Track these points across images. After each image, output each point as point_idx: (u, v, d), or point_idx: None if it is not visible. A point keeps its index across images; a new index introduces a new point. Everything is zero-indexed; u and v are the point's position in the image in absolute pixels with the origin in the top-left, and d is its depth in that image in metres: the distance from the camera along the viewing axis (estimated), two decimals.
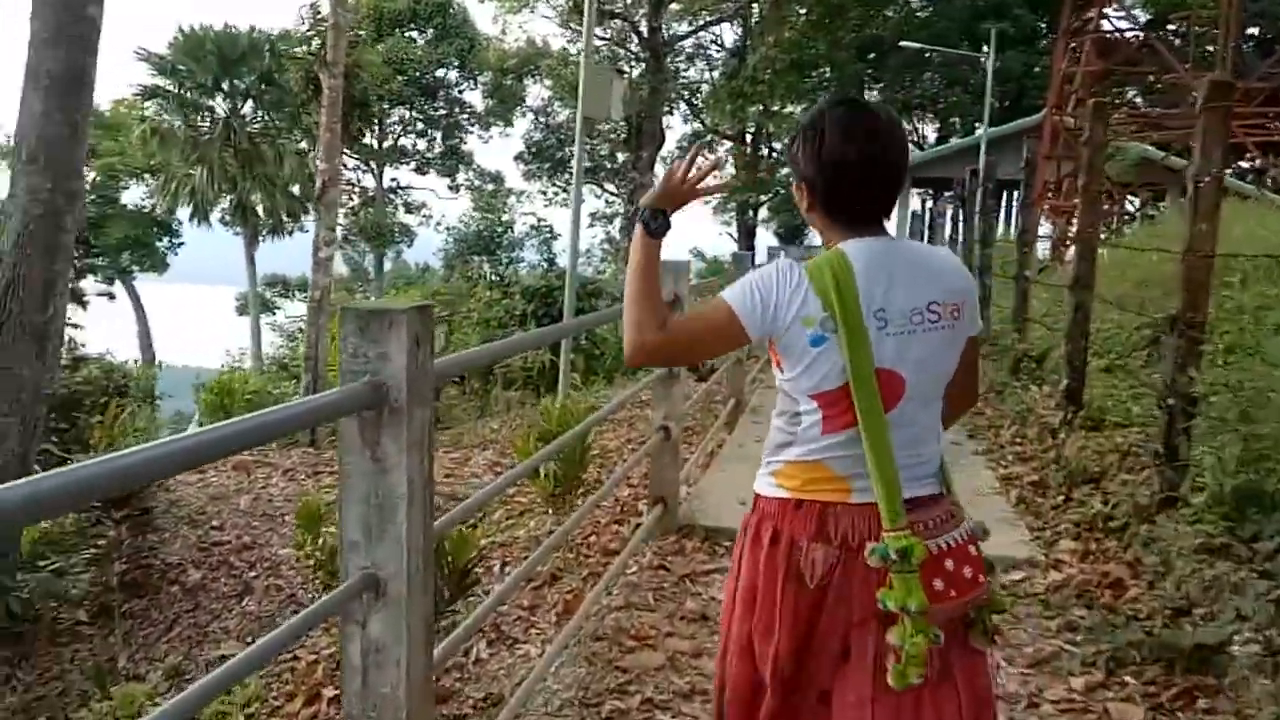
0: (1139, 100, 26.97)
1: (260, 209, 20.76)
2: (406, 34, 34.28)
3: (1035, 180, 8.10)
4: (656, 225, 1.89)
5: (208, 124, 20.71)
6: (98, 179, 27.89)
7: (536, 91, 36.17)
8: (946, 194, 20.71)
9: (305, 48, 16.72)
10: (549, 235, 21.51)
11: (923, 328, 1.66)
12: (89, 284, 30.87)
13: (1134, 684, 3.14)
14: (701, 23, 27.12)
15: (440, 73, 35.66)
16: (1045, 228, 18.35)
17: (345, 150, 36.24)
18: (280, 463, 6.90)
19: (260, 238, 22.69)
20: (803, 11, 28.62)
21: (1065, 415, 5.90)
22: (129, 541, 5.09)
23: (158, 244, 29.59)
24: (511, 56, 33.10)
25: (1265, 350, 5.05)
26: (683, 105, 35.71)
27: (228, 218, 22.29)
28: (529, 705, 2.92)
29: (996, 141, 22.70)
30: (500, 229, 21.41)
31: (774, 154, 34.62)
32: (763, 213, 37.85)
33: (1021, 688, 3.16)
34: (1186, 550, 3.78)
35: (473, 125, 38.19)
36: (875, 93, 35.90)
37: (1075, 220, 18.69)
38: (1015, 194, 24.87)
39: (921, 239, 19.06)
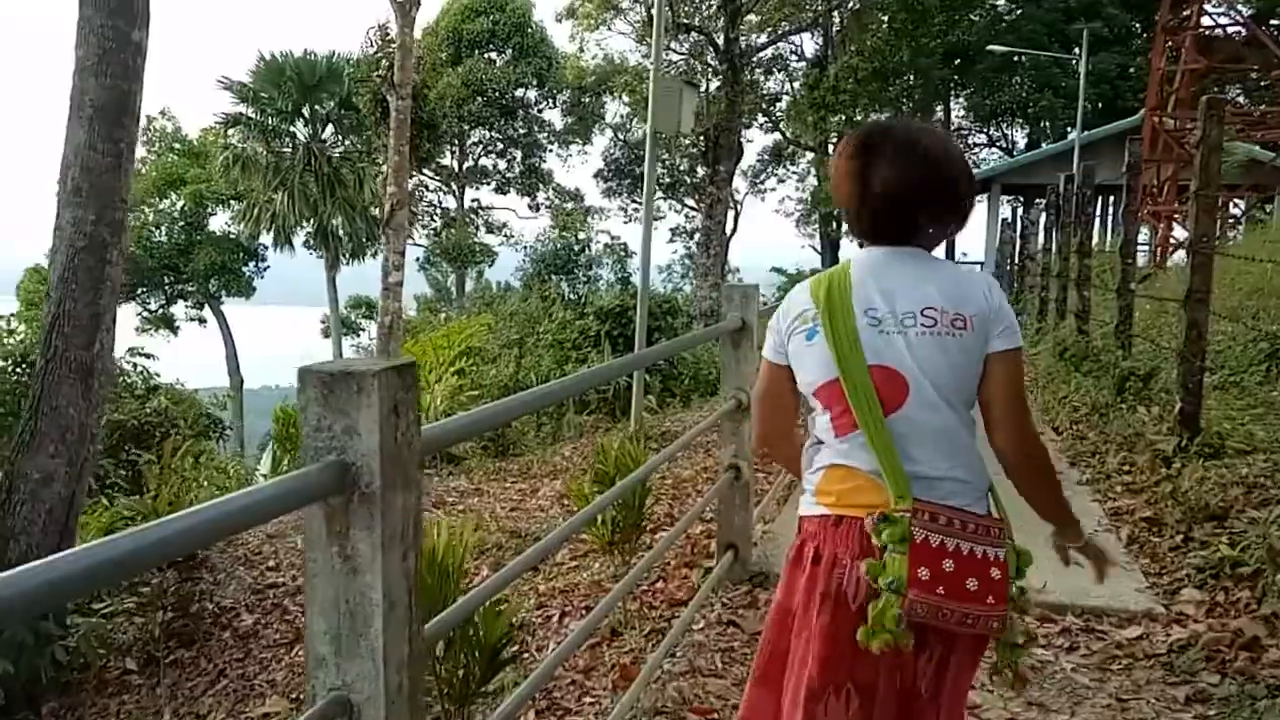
0: (1242, 99, 25.59)
1: (341, 232, 21.00)
2: (485, 55, 34.57)
3: (1137, 185, 7.49)
4: None
5: (289, 150, 21.03)
6: (186, 207, 28.76)
7: (615, 108, 36.14)
8: (1039, 201, 19.86)
9: (375, 70, 16.81)
10: (623, 253, 21.24)
11: (916, 330, 1.69)
12: (179, 309, 31.90)
13: None
14: (780, 33, 26.62)
15: (519, 92, 35.86)
16: (1145, 233, 17.45)
17: (426, 172, 36.85)
18: None
19: (342, 261, 22.99)
20: (885, 19, 27.95)
21: (1180, 441, 5.34)
22: (178, 586, 4.92)
23: (244, 269, 30.29)
24: (589, 74, 33.10)
25: None
26: (761, 117, 35.23)
27: (311, 242, 22.63)
28: None
29: (1090, 145, 21.76)
30: (577, 247, 21.25)
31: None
32: (846, 225, 37.04)
33: None
34: None
35: (552, 144, 38.34)
36: (961, 99, 35.05)
37: (1176, 225, 17.74)
38: (1113, 200, 23.87)
39: (1011, 248, 18.30)
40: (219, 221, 29.01)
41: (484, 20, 33.65)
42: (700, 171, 32.29)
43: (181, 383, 10.23)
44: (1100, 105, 29.37)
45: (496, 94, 34.31)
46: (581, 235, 26.11)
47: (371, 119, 18.96)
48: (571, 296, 17.13)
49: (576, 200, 38.96)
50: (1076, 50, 25.75)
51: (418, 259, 35.45)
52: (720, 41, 20.82)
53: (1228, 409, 5.94)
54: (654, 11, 8.20)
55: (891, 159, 1.73)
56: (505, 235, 38.26)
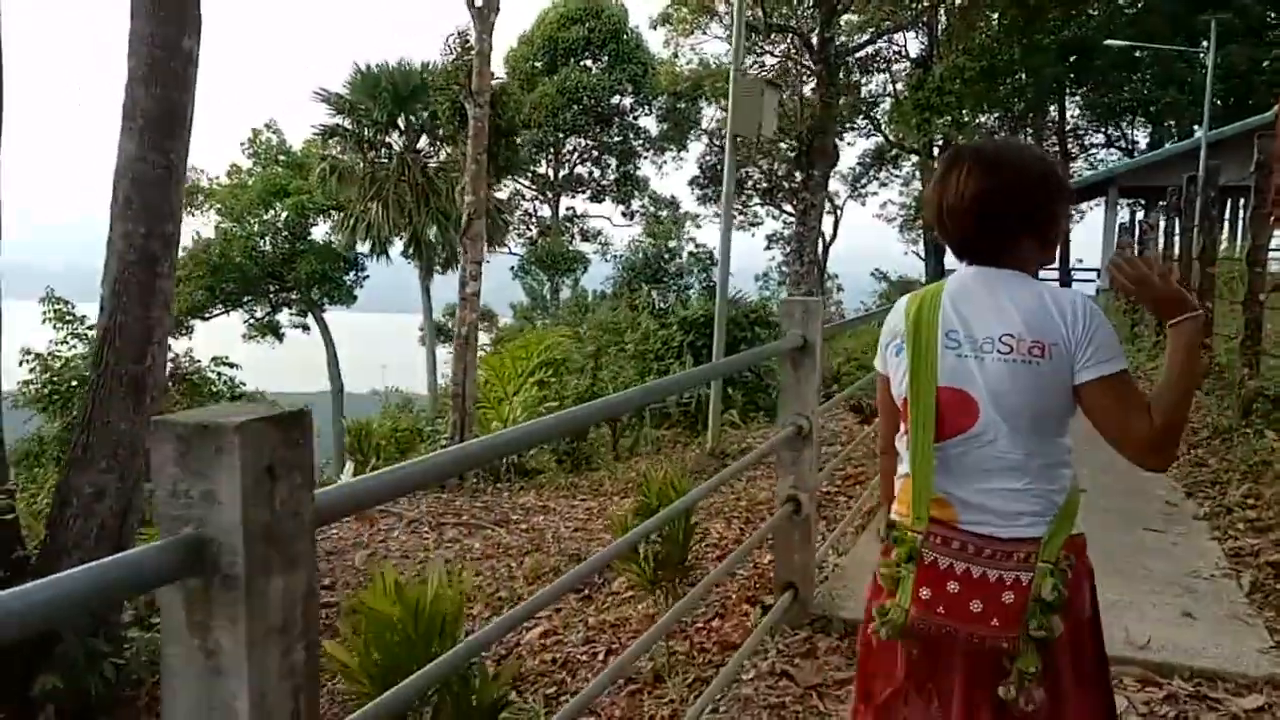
0: None
1: (435, 241, 21.18)
2: (580, 63, 34.68)
3: (1268, 186, 6.81)
4: None
5: (385, 160, 21.33)
6: (288, 217, 29.51)
7: (710, 114, 35.81)
8: (1160, 204, 18.71)
9: (453, 79, 16.85)
10: (709, 261, 20.82)
11: (993, 356, 1.71)
12: (284, 317, 32.80)
13: None
14: (880, 31, 25.84)
15: (614, 100, 35.87)
16: (1277, 239, 16.21)
17: (522, 181, 37.17)
18: (406, 511, 6.59)
19: (436, 269, 23.21)
20: (994, 15, 26.86)
21: None
22: None
23: (344, 278, 30.93)
24: (684, 80, 32.85)
25: None
26: (860, 119, 34.39)
27: (408, 251, 22.93)
28: None
29: (1218, 144, 20.46)
30: (668, 255, 20.98)
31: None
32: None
33: None
34: None
35: (647, 151, 38.26)
36: (1077, 97, 33.51)
37: None
38: (1242, 202, 22.41)
39: (1131, 253, 17.24)
40: (320, 231, 29.73)
41: (579, 28, 33.79)
42: (798, 176, 31.71)
43: (261, 391, 10.29)
44: (1230, 101, 27.65)
45: (592, 102, 34.39)
46: (672, 243, 25.84)
47: (450, 127, 19.04)
48: (661, 306, 16.81)
49: (672, 207, 38.77)
50: (1204, 43, 24.25)
51: (512, 267, 35.78)
52: (815, 42, 20.22)
53: None
54: (735, 8, 7.86)
55: (969, 173, 1.75)
56: (600, 243, 38.36)
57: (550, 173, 37.37)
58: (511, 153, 19.56)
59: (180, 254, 23.71)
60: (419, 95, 20.41)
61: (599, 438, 10.05)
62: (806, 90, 24.96)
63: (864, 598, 1.91)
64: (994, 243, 1.78)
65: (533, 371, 10.64)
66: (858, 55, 28.44)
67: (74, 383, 9.81)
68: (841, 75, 26.41)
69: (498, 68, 35.69)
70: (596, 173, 38.79)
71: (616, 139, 37.17)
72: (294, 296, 30.90)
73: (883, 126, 35.92)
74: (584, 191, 39.12)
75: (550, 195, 37.89)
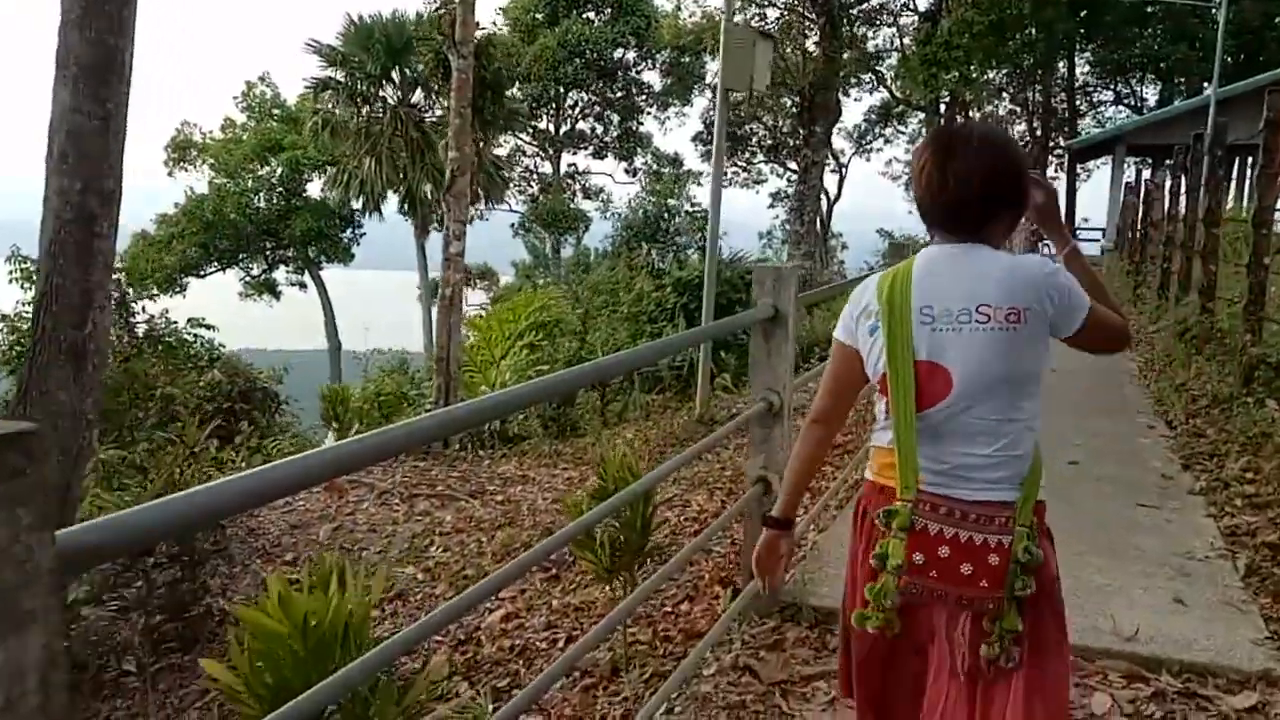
0: None
1: (431, 198, 20.79)
2: (582, 15, 33.98)
3: (1276, 144, 6.51)
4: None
5: (380, 114, 20.87)
6: (283, 173, 29.10)
7: (714, 68, 35.09)
8: (1167, 163, 18.29)
9: (436, 28, 16.36)
10: (705, 220, 20.41)
11: (970, 327, 1.78)
12: (281, 275, 32.53)
13: None
14: None
15: (618, 54, 35.21)
16: None
17: (523, 136, 36.61)
18: (378, 482, 6.38)
19: (431, 227, 22.88)
20: None
21: None
22: (178, 583, 4.61)
23: (341, 235, 30.59)
24: (687, 33, 32.20)
25: None
26: (866, 76, 33.75)
27: (403, 208, 22.56)
28: None
29: (1228, 102, 19.98)
30: (667, 214, 20.58)
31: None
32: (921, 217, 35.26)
33: None
34: None
35: (650, 107, 37.62)
36: (1087, 53, 32.83)
37: None
38: (1250, 161, 21.96)
39: (1136, 213, 16.89)
40: (316, 188, 29.32)
41: None
42: (802, 133, 31.16)
43: (232, 352, 10.02)
44: (1241, 58, 27.07)
45: (594, 55, 33.73)
46: (673, 201, 25.43)
47: (435, 80, 18.55)
48: (660, 266, 16.51)
49: (674, 164, 38.21)
50: None
51: (513, 225, 35.39)
52: None
53: None
54: None
55: (962, 155, 1.81)
56: (602, 200, 37.86)
57: (551, 128, 36.80)
58: (498, 107, 19.08)
59: (173, 210, 23.26)
60: (412, 47, 19.88)
61: (588, 402, 9.84)
62: (810, 45, 24.42)
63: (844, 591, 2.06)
64: (986, 220, 1.85)
65: (522, 334, 10.40)
66: (862, 7, 27.78)
67: None
68: (845, 28, 25.78)
69: (497, 18, 35.15)
70: (599, 128, 38.19)
71: (619, 94, 36.54)
72: (290, 254, 30.60)
73: (889, 82, 35.30)
74: (586, 148, 38.54)
75: (552, 151, 37.33)
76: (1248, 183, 22.35)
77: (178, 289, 30.19)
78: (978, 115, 31.79)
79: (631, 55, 35.89)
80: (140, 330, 9.56)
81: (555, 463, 7.21)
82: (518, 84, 33.93)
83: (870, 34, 32.23)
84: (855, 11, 27.53)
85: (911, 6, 32.56)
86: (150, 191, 30.62)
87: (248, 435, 6.82)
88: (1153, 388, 7.52)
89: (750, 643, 3.20)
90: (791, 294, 3.30)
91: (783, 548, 2.21)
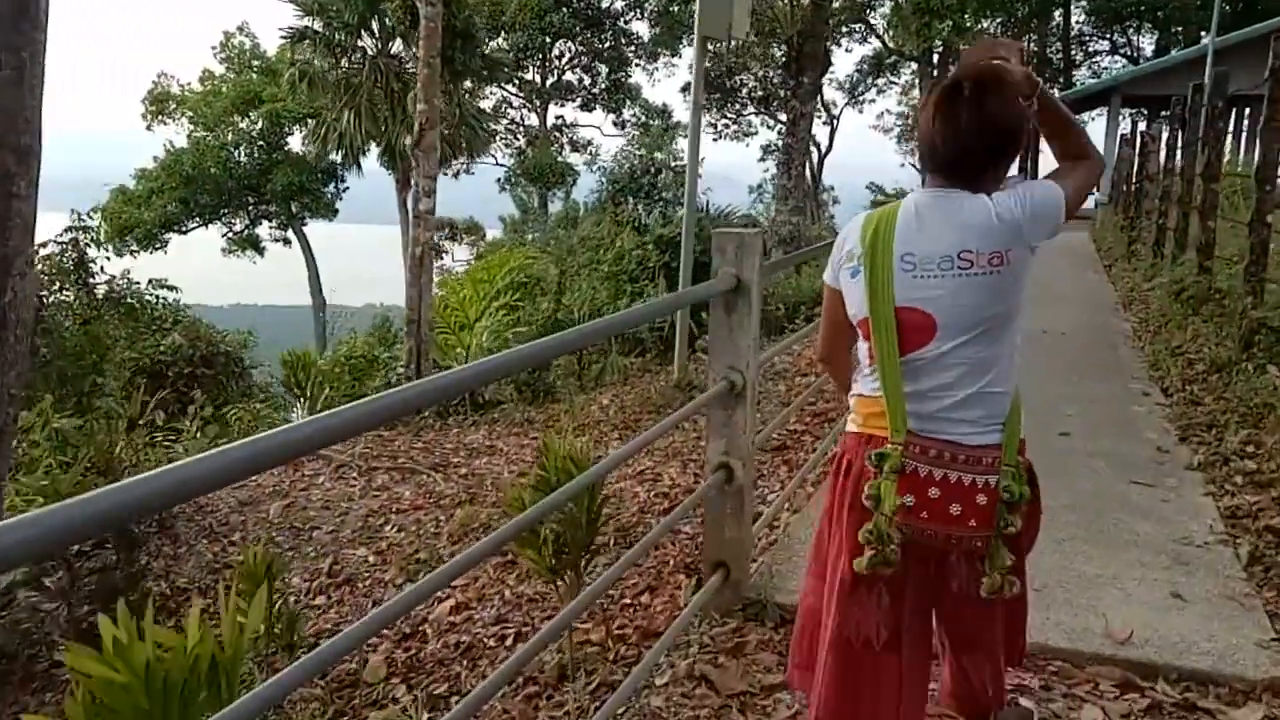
0: None
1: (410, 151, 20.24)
2: None
3: None
4: None
5: (360, 65, 20.22)
6: (263, 126, 28.41)
7: None
8: (1163, 114, 17.85)
9: None
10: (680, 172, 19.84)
11: (952, 273, 1.81)
12: (264, 231, 31.97)
13: None
14: None
15: (605, 3, 34.39)
16: None
17: (509, 88, 35.84)
18: (336, 454, 6.07)
19: (412, 180, 22.36)
20: None
21: None
22: (117, 566, 4.34)
23: (324, 190, 29.99)
24: None
25: None
26: (858, 25, 33.04)
27: (384, 160, 22.00)
28: None
29: (1227, 52, 19.49)
30: (654, 168, 20.05)
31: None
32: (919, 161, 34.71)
33: None
34: None
35: (639, 57, 36.82)
36: (1083, 2, 32.16)
37: None
38: (1248, 112, 21.55)
39: (1131, 166, 16.51)
40: (297, 141, 28.71)
41: None
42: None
43: (187, 309, 9.61)
44: (1239, 6, 26.48)
45: (581, 4, 32.92)
46: (660, 155, 24.87)
47: (402, 28, 17.93)
48: (647, 221, 16.08)
49: (664, 116, 37.50)
50: None
51: (498, 179, 34.81)
52: None
53: None
54: None
55: (968, 106, 1.80)
56: (590, 154, 37.18)
57: (538, 79, 36.04)
58: (470, 57, 18.46)
59: (152, 164, 22.69)
60: None
61: (567, 365, 9.54)
62: None
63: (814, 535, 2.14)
64: (986, 169, 1.85)
65: (498, 294, 10.07)
66: None
67: None
68: None
69: None
70: (587, 80, 37.41)
71: (607, 44, 35.74)
72: (273, 210, 30.01)
73: (881, 32, 34.60)
74: (574, 99, 37.76)
75: (538, 103, 36.61)
76: (1244, 135, 21.96)
77: (158, 245, 29.65)
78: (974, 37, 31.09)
79: (620, 4, 35.07)
80: (100, 291, 9.21)
81: (526, 431, 6.93)
82: (503, 33, 33.19)
83: None
84: None
85: None
86: (130, 144, 30.02)
87: (201, 404, 6.51)
88: (1147, 350, 7.23)
89: (709, 646, 2.94)
90: (756, 262, 2.99)
91: None
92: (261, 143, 28.86)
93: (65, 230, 9.32)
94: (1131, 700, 2.64)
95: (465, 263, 24.68)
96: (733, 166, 43.94)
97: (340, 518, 5.01)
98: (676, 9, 34.34)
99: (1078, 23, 33.19)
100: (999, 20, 31.38)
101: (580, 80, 37.36)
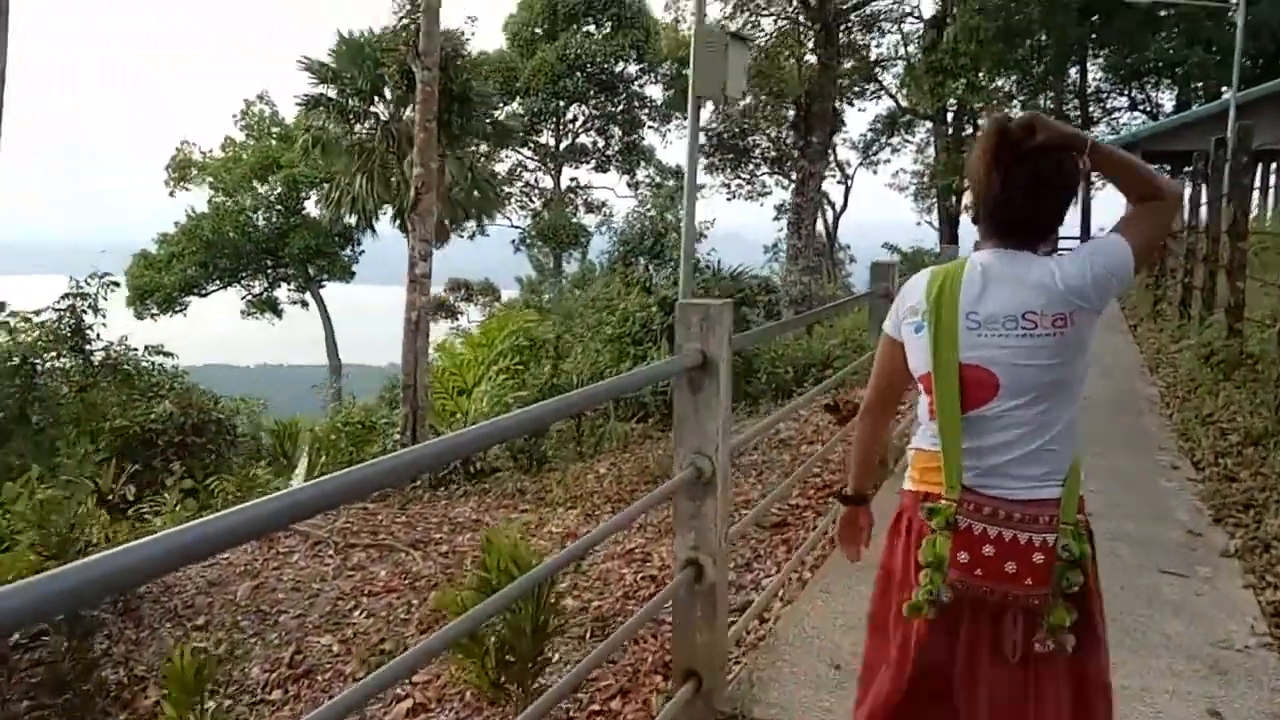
0: None
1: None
2: (583, 29, 33.50)
3: None
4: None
5: (374, 130, 20.34)
6: (281, 191, 28.65)
7: None
8: (1185, 170, 17.56)
9: (401, 40, 15.75)
10: (697, 236, 19.59)
11: (1016, 334, 1.82)
12: (282, 293, 32.08)
13: None
14: None
15: (618, 67, 34.69)
16: None
17: (524, 151, 36.08)
18: (314, 530, 5.73)
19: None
20: None
21: None
22: (74, 660, 3.99)
23: (340, 252, 30.11)
24: (686, 45, 31.60)
25: None
26: (869, 84, 33.09)
27: (396, 223, 22.01)
28: None
29: (1249, 107, 19.23)
30: (663, 228, 19.90)
31: (979, 131, 31.45)
32: (967, 198, 34.50)
33: None
34: None
35: (652, 120, 37.03)
36: (1100, 59, 32.09)
37: None
38: (1275, 167, 21.20)
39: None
40: (314, 206, 28.91)
41: None
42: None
43: (181, 373, 9.37)
44: (1260, 62, 26.26)
45: (595, 69, 33.20)
46: (670, 215, 24.80)
47: (397, 93, 17.98)
48: (659, 282, 15.83)
49: (677, 177, 37.59)
50: (1232, 0, 22.91)
51: (512, 241, 34.88)
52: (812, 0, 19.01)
53: None
54: None
55: (1027, 172, 1.83)
56: (605, 215, 37.22)
57: (552, 142, 36.29)
58: (467, 120, 18.47)
59: (172, 229, 22.91)
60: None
61: (567, 431, 9.21)
62: (807, 54, 23.79)
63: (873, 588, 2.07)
64: (1051, 227, 1.89)
65: (497, 359, 9.78)
66: (859, 13, 27.15)
67: None
68: (843, 35, 25.13)
69: (497, 34, 34.71)
70: (601, 142, 37.63)
71: (620, 107, 35.97)
72: (290, 272, 30.13)
73: (894, 91, 34.65)
74: (588, 161, 37.97)
75: (553, 166, 36.81)
76: (1272, 192, 21.61)
77: (178, 308, 29.80)
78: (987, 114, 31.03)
79: (633, 68, 35.36)
80: (97, 358, 9.02)
81: (516, 504, 6.57)
82: (517, 98, 33.50)
83: (873, 41, 31.59)
84: (853, 17, 26.87)
85: (917, 14, 31.97)
86: (156, 209, 30.30)
87: (180, 476, 6.23)
88: (1176, 418, 6.82)
89: None
90: (724, 335, 2.66)
91: (862, 520, 2.27)
92: (279, 207, 29.08)
93: (62, 296, 9.19)
94: None
95: (479, 324, 24.53)
96: (746, 226, 43.92)
97: (310, 600, 4.67)
98: (688, 73, 34.58)
99: (1095, 79, 33.08)
100: (1014, 78, 31.37)
101: (594, 143, 37.60)
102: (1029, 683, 1.83)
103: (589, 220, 36.03)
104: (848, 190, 38.22)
